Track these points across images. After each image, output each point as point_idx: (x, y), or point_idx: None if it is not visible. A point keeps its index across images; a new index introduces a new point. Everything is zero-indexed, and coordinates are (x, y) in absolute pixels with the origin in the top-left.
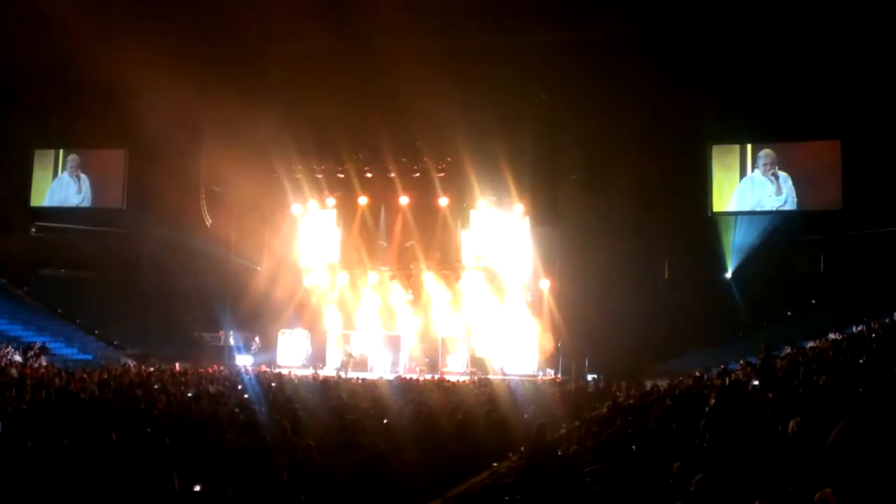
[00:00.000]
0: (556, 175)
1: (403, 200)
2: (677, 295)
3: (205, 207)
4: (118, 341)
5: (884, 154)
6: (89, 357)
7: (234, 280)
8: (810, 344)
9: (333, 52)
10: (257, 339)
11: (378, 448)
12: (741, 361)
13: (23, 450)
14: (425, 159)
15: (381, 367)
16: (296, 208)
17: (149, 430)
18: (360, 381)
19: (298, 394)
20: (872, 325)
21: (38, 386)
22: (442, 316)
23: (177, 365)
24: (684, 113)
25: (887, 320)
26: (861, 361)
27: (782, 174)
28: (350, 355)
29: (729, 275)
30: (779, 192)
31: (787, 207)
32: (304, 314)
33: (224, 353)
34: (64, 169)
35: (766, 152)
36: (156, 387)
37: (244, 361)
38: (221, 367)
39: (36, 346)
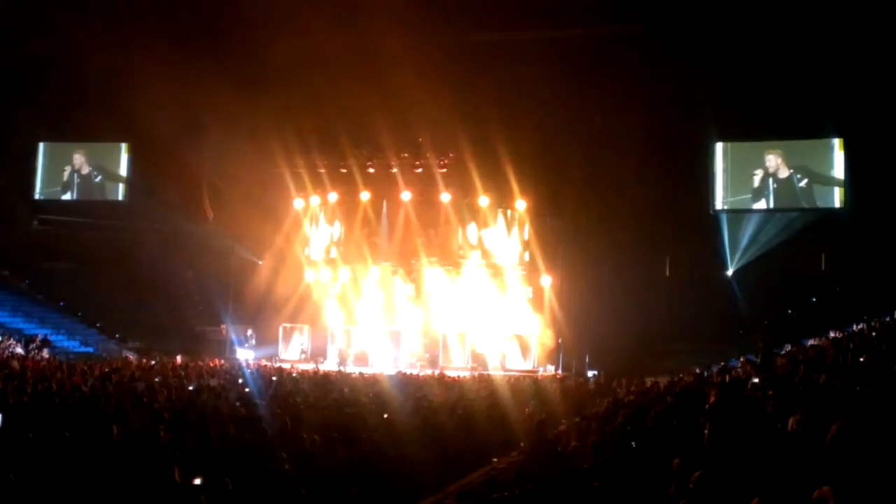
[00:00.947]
0: (558, 171)
1: (405, 195)
2: (678, 292)
3: (207, 201)
4: (119, 334)
5: (887, 153)
6: (91, 350)
7: (235, 274)
8: (811, 342)
9: (336, 47)
10: (250, 331)
11: (378, 443)
12: (741, 359)
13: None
14: (427, 154)
15: (382, 362)
16: (298, 203)
17: (150, 423)
18: (360, 376)
19: (299, 388)
20: (873, 324)
21: (39, 378)
22: (443, 311)
23: (178, 358)
24: (687, 110)
25: (888, 319)
26: (861, 360)
27: (784, 172)
28: (343, 353)
29: (730, 272)
30: (780, 189)
31: (789, 205)
32: (305, 309)
33: (225, 346)
34: (67, 162)
35: (768, 150)
36: (157, 380)
37: (245, 355)
38: (222, 361)
39: (38, 339)
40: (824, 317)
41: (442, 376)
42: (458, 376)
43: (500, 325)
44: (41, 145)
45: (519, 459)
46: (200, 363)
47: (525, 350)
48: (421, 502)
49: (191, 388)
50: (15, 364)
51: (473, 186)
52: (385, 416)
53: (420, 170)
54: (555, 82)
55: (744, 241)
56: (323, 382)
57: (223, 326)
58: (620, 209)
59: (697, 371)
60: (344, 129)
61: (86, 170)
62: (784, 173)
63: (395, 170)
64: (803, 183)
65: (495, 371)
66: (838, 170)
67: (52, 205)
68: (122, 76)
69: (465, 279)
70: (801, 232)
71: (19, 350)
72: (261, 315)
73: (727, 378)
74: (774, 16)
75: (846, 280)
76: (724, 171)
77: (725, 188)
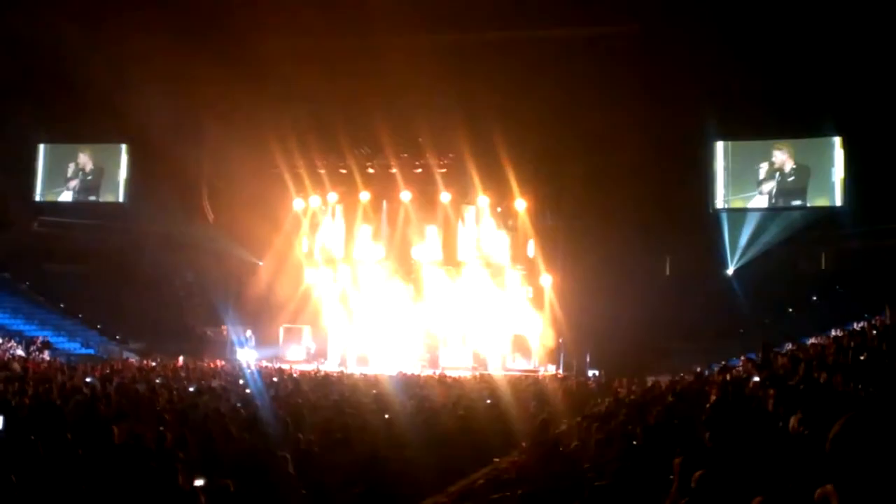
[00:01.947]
0: (558, 171)
1: (405, 196)
2: (679, 291)
3: (207, 202)
4: (120, 336)
5: (887, 151)
6: (92, 351)
7: (236, 275)
8: (811, 340)
9: (336, 48)
10: (249, 332)
11: (379, 443)
12: (742, 357)
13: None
14: (427, 155)
15: (383, 363)
16: (298, 203)
17: (151, 424)
18: (361, 377)
19: (300, 389)
20: (874, 322)
21: (40, 381)
22: (443, 311)
23: (180, 359)
24: (687, 109)
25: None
26: (862, 358)
27: (784, 170)
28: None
29: (730, 271)
30: (780, 188)
31: (789, 204)
32: (305, 309)
33: (226, 347)
34: (67, 164)
35: (768, 149)
36: (158, 381)
37: (246, 356)
38: (223, 362)
39: (38, 341)
40: (825, 315)
41: (443, 377)
42: (459, 376)
43: (501, 325)
44: (41, 147)
45: (520, 459)
46: (201, 364)
47: (526, 350)
48: (423, 502)
49: (192, 389)
50: (16, 366)
51: (473, 186)
52: (386, 416)
53: (420, 170)
54: (555, 82)
55: (744, 240)
56: (324, 383)
57: (224, 327)
58: (621, 208)
59: (698, 370)
60: (343, 130)
61: (86, 171)
62: (785, 171)
63: (394, 170)
64: (803, 181)
65: (496, 371)
66: (839, 168)
67: (53, 206)
68: (122, 77)
69: (465, 279)
70: (802, 230)
71: (20, 352)
72: (261, 316)
73: (728, 377)
74: (775, 13)
75: (847, 279)
76: (725, 169)
77: (726, 187)
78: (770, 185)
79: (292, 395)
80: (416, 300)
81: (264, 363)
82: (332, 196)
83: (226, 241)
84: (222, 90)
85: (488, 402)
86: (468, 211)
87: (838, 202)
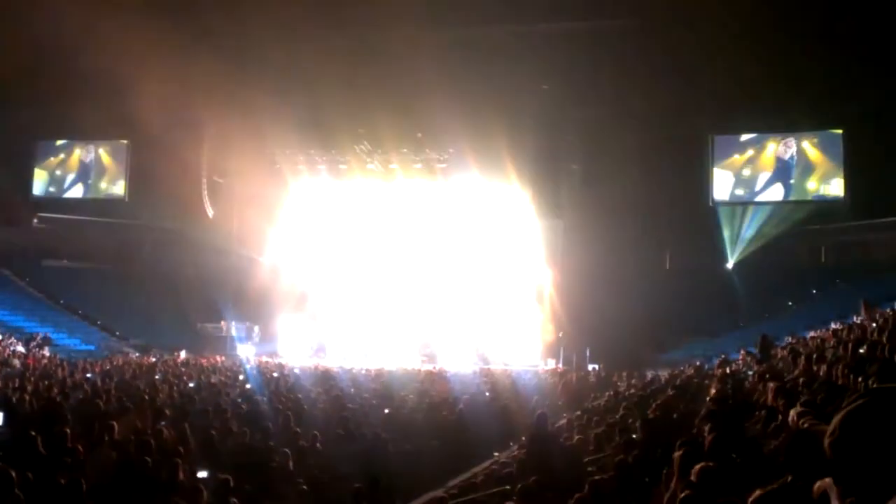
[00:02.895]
0: (558, 166)
1: (406, 190)
2: (678, 285)
3: (207, 198)
4: (120, 332)
5: (886, 145)
6: (92, 347)
7: (235, 270)
8: (811, 334)
9: (336, 44)
10: (257, 328)
11: (380, 438)
12: (742, 351)
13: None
14: (427, 150)
15: (383, 358)
16: (297, 198)
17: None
18: (361, 372)
19: (300, 384)
20: (874, 314)
21: (40, 376)
22: (444, 306)
23: (181, 354)
24: (685, 103)
25: (888, 310)
26: (861, 351)
27: (783, 164)
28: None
29: (730, 265)
30: (780, 182)
31: (789, 197)
32: (305, 304)
33: (226, 343)
34: (67, 160)
35: (767, 142)
36: (157, 377)
37: (246, 352)
38: (223, 358)
39: (38, 337)
40: (825, 308)
41: (443, 371)
42: (459, 371)
43: (501, 319)
44: (41, 143)
45: (520, 453)
46: (201, 360)
47: (526, 344)
48: (423, 496)
49: (192, 384)
50: (16, 362)
51: (473, 181)
52: (386, 411)
53: (419, 165)
54: (553, 78)
55: (743, 234)
56: (324, 378)
57: (223, 323)
58: (620, 203)
59: (698, 363)
60: (343, 126)
61: (86, 167)
62: (783, 165)
63: (394, 165)
64: (803, 175)
65: (496, 366)
66: (839, 162)
67: (52, 203)
68: (122, 74)
69: (466, 273)
70: (802, 224)
71: (20, 348)
72: (261, 311)
73: (728, 370)
74: (771, 8)
75: (846, 271)
76: (724, 163)
77: (725, 181)
78: (769, 179)
79: (292, 391)
80: (417, 295)
81: (264, 358)
82: (332, 191)
83: (225, 237)
84: (223, 87)
85: (488, 396)
86: (468, 206)
87: (838, 195)
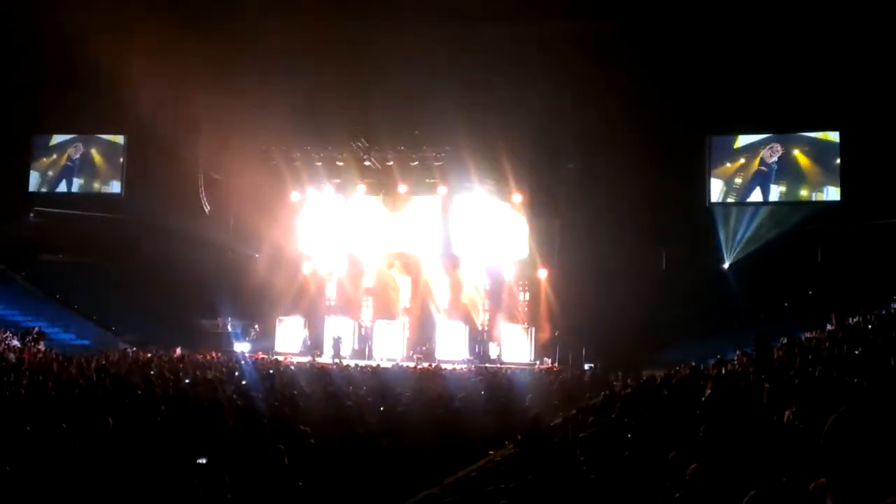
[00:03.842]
0: (554, 164)
1: (401, 189)
2: (674, 285)
3: (203, 194)
4: (116, 327)
5: (883, 145)
6: (87, 342)
7: (232, 267)
8: (807, 335)
9: (333, 40)
10: (256, 326)
11: (375, 435)
12: (738, 352)
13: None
14: (423, 148)
15: (379, 355)
16: (294, 196)
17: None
18: (357, 369)
19: (296, 381)
20: (869, 317)
21: (35, 371)
22: (440, 304)
23: (177, 350)
24: (682, 103)
25: (884, 311)
26: (857, 352)
27: (780, 164)
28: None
29: (726, 265)
30: (777, 182)
31: (785, 198)
32: (302, 301)
33: (222, 339)
34: (62, 154)
35: (763, 142)
36: (153, 373)
37: (242, 348)
38: (219, 354)
39: (33, 332)
40: (820, 309)
41: (439, 369)
42: (455, 368)
43: (497, 317)
44: (36, 137)
45: (515, 452)
46: (197, 356)
47: (521, 343)
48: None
49: (187, 380)
50: (11, 357)
51: (469, 180)
52: (381, 408)
53: (416, 163)
54: (551, 76)
55: (739, 235)
56: (320, 375)
57: (219, 319)
58: (617, 202)
59: (693, 364)
60: (340, 123)
61: (82, 162)
62: (780, 165)
63: (391, 163)
64: (799, 175)
65: (492, 364)
66: (834, 163)
67: (48, 197)
68: (119, 68)
69: (461, 272)
70: (797, 225)
71: (16, 342)
72: (258, 308)
73: (723, 371)
74: (769, 7)
75: (842, 273)
76: (721, 163)
77: (722, 181)
78: (766, 180)
79: (288, 387)
80: (413, 293)
81: (261, 355)
82: (329, 188)
83: (222, 233)
84: (220, 82)
85: (484, 395)
86: (464, 204)
87: (834, 196)
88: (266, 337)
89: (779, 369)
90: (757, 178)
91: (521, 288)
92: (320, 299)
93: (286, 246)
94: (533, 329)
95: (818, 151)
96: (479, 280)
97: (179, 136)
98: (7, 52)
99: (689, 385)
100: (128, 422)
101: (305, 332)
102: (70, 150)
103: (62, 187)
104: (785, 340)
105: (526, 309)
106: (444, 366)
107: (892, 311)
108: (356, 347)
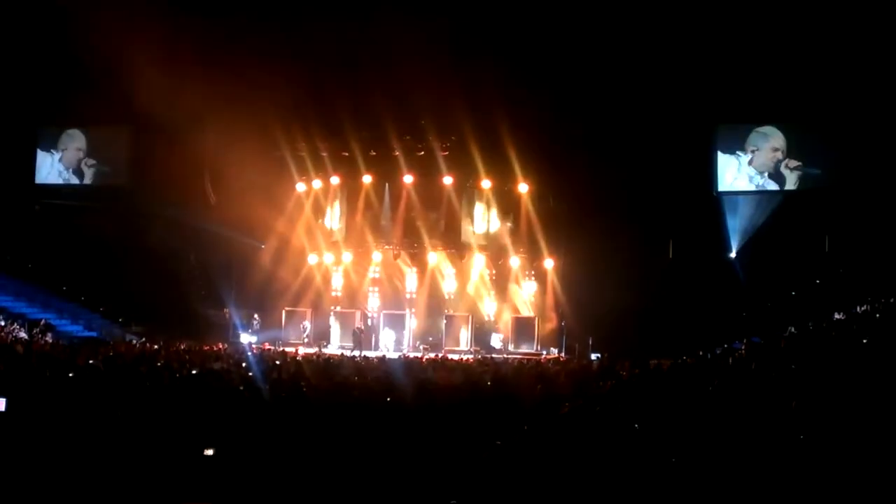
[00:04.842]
0: (561, 154)
1: (407, 179)
2: (681, 274)
3: (209, 185)
4: (122, 318)
5: (889, 133)
6: (94, 334)
7: (238, 258)
8: (814, 324)
9: (338, 31)
10: (256, 316)
11: (382, 426)
12: (744, 341)
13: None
14: (429, 138)
15: (385, 346)
16: (300, 186)
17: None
18: (363, 360)
19: (302, 372)
20: (877, 306)
21: (43, 362)
22: (446, 294)
23: (183, 342)
24: (690, 91)
25: (892, 300)
26: (865, 341)
27: (788, 153)
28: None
29: (733, 254)
30: (785, 170)
31: (793, 187)
32: (308, 292)
33: (228, 330)
34: (68, 146)
35: (772, 131)
36: (160, 364)
37: (248, 339)
38: (225, 345)
39: (41, 324)
40: (827, 298)
41: (445, 359)
42: (462, 359)
43: (503, 308)
44: (41, 129)
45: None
46: (204, 347)
47: (528, 333)
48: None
49: (194, 371)
50: (19, 348)
51: (476, 169)
52: (388, 399)
53: (422, 153)
54: (557, 65)
55: (746, 223)
56: (326, 366)
57: (226, 310)
58: (624, 192)
59: (700, 353)
60: (346, 113)
61: (87, 154)
62: (790, 154)
63: (397, 153)
64: (808, 164)
65: (498, 354)
66: (842, 150)
67: (54, 189)
68: (125, 59)
69: (467, 262)
70: (805, 213)
71: (23, 334)
72: (264, 299)
73: (730, 360)
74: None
75: (849, 262)
76: (728, 152)
77: (729, 169)
78: (774, 168)
79: (295, 378)
80: (419, 283)
81: (267, 346)
82: (335, 179)
83: (228, 224)
84: (225, 73)
85: (491, 385)
86: (470, 194)
87: (843, 184)
88: (271, 328)
89: (785, 358)
90: (765, 166)
91: (527, 278)
92: (326, 290)
93: (292, 237)
94: (539, 319)
95: (826, 140)
96: (486, 270)
97: (185, 127)
98: (12, 44)
99: (695, 374)
100: (135, 412)
101: (307, 323)
102: (76, 142)
103: (68, 179)
104: (792, 329)
105: (533, 299)
106: (450, 356)
107: None
108: (362, 339)
